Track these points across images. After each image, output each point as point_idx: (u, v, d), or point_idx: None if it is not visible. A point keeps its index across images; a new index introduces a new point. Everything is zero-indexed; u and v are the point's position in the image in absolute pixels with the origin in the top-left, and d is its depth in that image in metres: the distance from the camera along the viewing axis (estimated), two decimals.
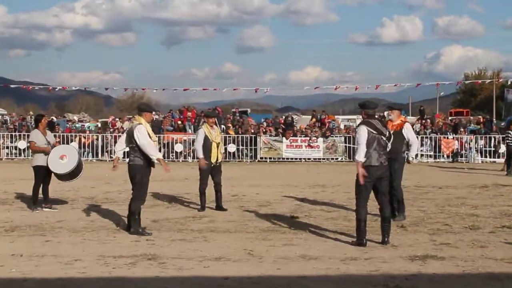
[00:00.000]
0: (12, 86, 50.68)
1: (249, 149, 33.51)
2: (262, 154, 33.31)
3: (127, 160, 11.65)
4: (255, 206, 14.99)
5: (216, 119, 15.06)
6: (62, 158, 14.17)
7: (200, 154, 14.13)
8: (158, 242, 10.52)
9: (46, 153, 14.18)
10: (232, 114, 42.07)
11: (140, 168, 11.27)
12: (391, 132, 10.78)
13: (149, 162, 11.34)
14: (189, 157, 33.40)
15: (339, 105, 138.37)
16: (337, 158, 33.26)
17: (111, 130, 36.30)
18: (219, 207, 14.27)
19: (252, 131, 35.25)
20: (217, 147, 14.27)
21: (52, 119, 38.68)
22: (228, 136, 33.48)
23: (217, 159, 14.26)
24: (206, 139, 14.16)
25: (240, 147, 33.42)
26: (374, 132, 10.04)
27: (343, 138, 33.62)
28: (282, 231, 11.51)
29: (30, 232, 11.52)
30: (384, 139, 10.15)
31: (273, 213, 13.83)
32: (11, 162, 32.31)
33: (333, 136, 34.04)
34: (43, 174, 14.23)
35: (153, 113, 13.38)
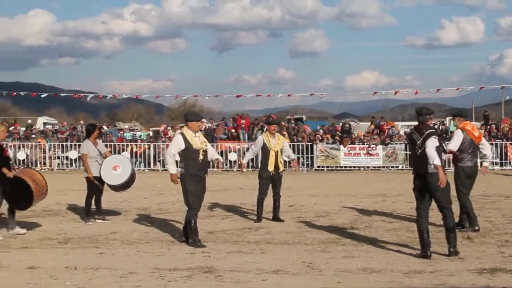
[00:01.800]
0: (62, 94, 51.55)
1: (305, 158, 33.45)
2: (319, 162, 33.23)
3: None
4: (313, 216, 14.98)
5: (277, 126, 15.10)
6: (115, 169, 14.34)
7: (244, 159, 15.05)
8: (214, 254, 10.58)
9: (90, 178, 14.44)
10: (287, 121, 42.05)
11: (183, 177, 11.45)
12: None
13: (193, 170, 11.44)
14: None
15: (399, 110, 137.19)
16: (397, 166, 32.99)
17: (163, 139, 36.63)
18: (276, 218, 14.29)
19: (308, 138, 35.21)
20: (276, 155, 14.29)
21: (102, 127, 39.17)
22: None
23: (277, 168, 14.29)
24: (264, 147, 14.27)
25: (296, 155, 33.35)
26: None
27: (403, 145, 33.32)
28: (342, 242, 11.48)
29: (84, 244, 11.72)
30: (417, 147, 10.17)
31: (332, 224, 13.80)
32: (62, 172, 32.79)
33: (393, 143, 33.80)
34: (96, 185, 14.45)
35: (204, 121, 13.52)
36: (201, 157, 11.54)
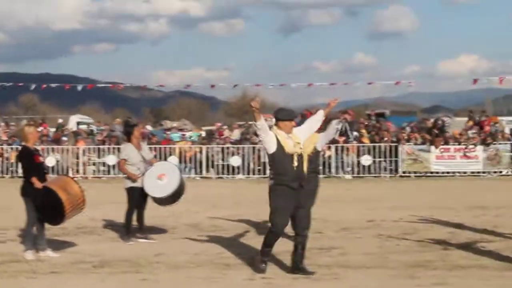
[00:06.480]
0: (99, 85, 52.01)
1: (388, 162, 33.22)
2: (405, 167, 32.97)
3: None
4: (397, 234, 14.89)
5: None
6: (160, 178, 14.38)
7: None
8: (278, 280, 10.58)
9: (133, 180, 14.55)
10: (366, 117, 41.82)
11: (270, 188, 11.16)
12: None
13: (284, 180, 11.03)
14: None
15: (504, 103, 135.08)
16: (501, 172, 32.57)
17: (218, 140, 36.69)
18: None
19: (393, 138, 34.95)
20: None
21: (145, 127, 39.38)
22: (362, 146, 33.34)
23: None
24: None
25: (377, 159, 33.18)
26: None
27: (509, 146, 32.90)
28: (432, 266, 11.40)
29: (123, 268, 11.81)
30: None
31: (420, 243, 13.70)
32: (98, 181, 33.03)
33: (496, 144, 33.35)
34: (137, 198, 14.57)
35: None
36: (295, 163, 11.05)
